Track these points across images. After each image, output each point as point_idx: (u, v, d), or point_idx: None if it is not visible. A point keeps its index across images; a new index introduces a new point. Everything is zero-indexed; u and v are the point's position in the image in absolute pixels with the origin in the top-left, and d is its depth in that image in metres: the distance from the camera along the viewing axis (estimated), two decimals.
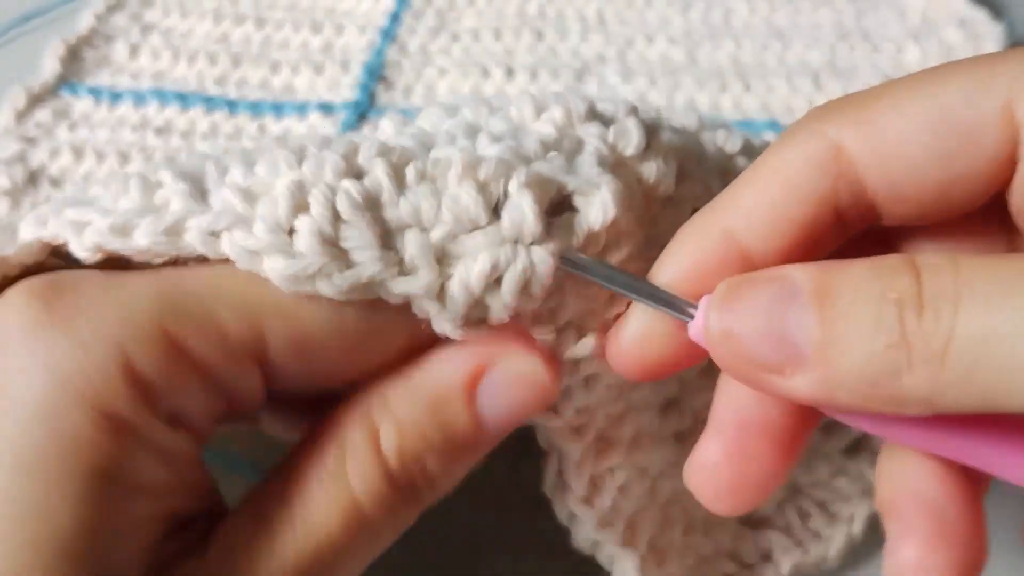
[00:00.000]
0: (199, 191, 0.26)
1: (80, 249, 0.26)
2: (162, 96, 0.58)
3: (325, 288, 0.25)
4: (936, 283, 0.20)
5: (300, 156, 0.26)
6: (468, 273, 0.25)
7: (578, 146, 0.28)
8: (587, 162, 0.27)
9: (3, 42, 0.66)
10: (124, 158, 0.55)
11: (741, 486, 0.25)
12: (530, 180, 0.26)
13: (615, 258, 0.27)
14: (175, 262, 0.26)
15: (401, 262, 0.25)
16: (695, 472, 0.26)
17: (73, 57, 0.61)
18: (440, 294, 0.25)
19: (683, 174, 0.30)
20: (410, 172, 0.26)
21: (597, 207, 0.26)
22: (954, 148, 0.23)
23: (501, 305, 0.26)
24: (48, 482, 0.22)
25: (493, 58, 0.62)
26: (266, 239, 0.25)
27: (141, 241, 0.25)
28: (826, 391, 0.21)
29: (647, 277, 0.26)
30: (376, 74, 0.60)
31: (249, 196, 0.26)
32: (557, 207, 0.26)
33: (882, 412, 0.21)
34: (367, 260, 0.25)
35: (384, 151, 0.26)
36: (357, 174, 0.26)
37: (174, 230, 0.25)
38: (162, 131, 0.56)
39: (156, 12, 0.66)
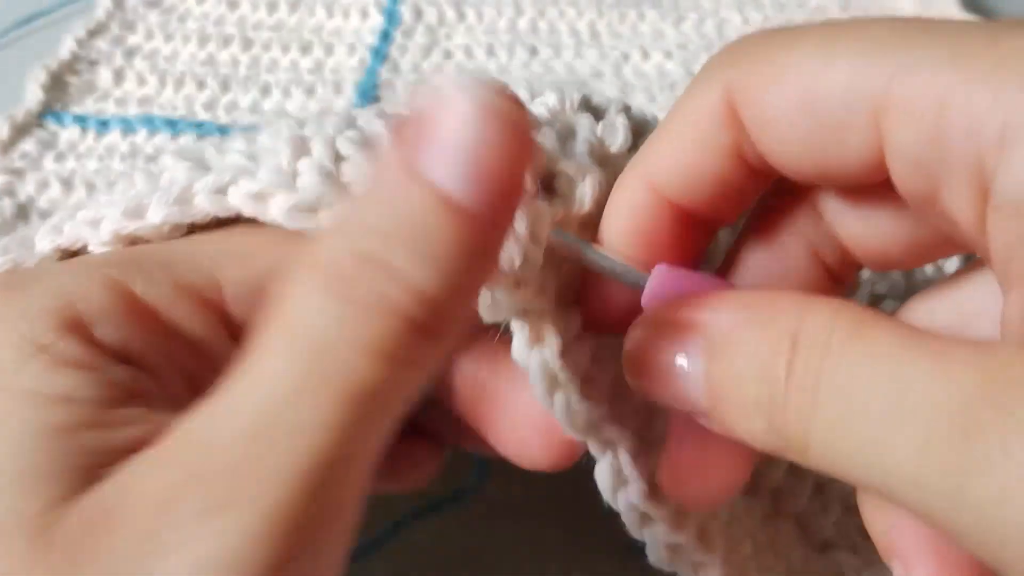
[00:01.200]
0: (202, 166, 0.28)
1: (98, 242, 0.28)
2: (150, 123, 0.57)
3: (327, 218, 0.25)
4: (803, 369, 0.20)
5: (301, 123, 0.28)
6: None
7: (570, 132, 0.29)
8: (579, 148, 0.29)
9: (4, 43, 0.64)
10: (114, 188, 0.53)
11: (707, 475, 0.25)
12: None
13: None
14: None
15: None
16: (665, 475, 0.26)
17: (56, 84, 0.59)
18: None
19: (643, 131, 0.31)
20: None
21: (586, 192, 0.28)
22: (825, 137, 0.22)
23: None
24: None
25: (488, 75, 0.61)
26: (270, 179, 0.26)
27: (155, 216, 0.27)
28: (727, 433, 0.22)
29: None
30: (370, 95, 0.59)
31: (253, 156, 0.27)
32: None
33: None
34: None
35: (382, 114, 0.28)
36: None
37: (183, 198, 0.27)
38: (152, 159, 0.55)
39: (138, 35, 0.64)
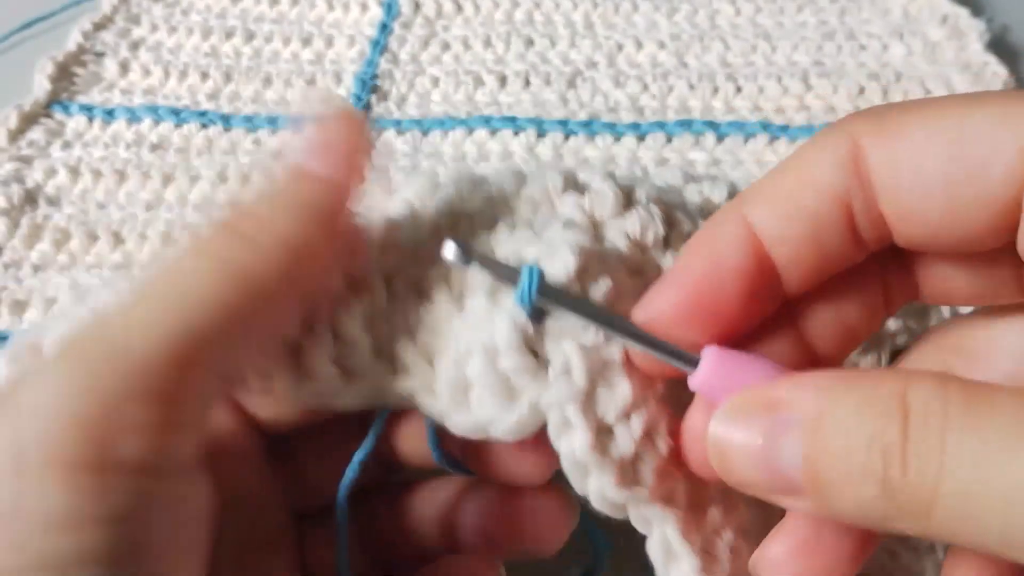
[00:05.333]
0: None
1: None
2: (155, 112, 0.58)
3: None
4: (923, 436, 0.20)
5: None
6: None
7: (552, 217, 0.30)
8: (553, 229, 0.29)
9: (8, 45, 0.66)
10: (120, 176, 0.54)
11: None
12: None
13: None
14: None
15: None
16: (763, 568, 0.25)
17: (63, 75, 0.61)
18: None
19: (673, 220, 0.31)
20: None
21: (558, 264, 0.27)
22: (964, 176, 0.23)
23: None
24: None
25: (484, 66, 0.62)
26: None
27: None
28: (825, 516, 0.22)
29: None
30: (369, 85, 0.60)
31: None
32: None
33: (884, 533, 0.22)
34: None
35: None
36: None
37: None
38: (157, 147, 0.56)
39: (143, 28, 0.66)
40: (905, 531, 0.20)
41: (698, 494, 0.28)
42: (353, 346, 0.28)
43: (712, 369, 0.25)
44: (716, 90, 0.59)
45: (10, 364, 0.28)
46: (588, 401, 0.26)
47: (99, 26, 0.65)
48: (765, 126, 0.56)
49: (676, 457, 0.27)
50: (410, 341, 0.28)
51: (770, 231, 0.25)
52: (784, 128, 0.56)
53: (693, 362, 0.25)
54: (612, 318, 0.26)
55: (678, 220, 0.31)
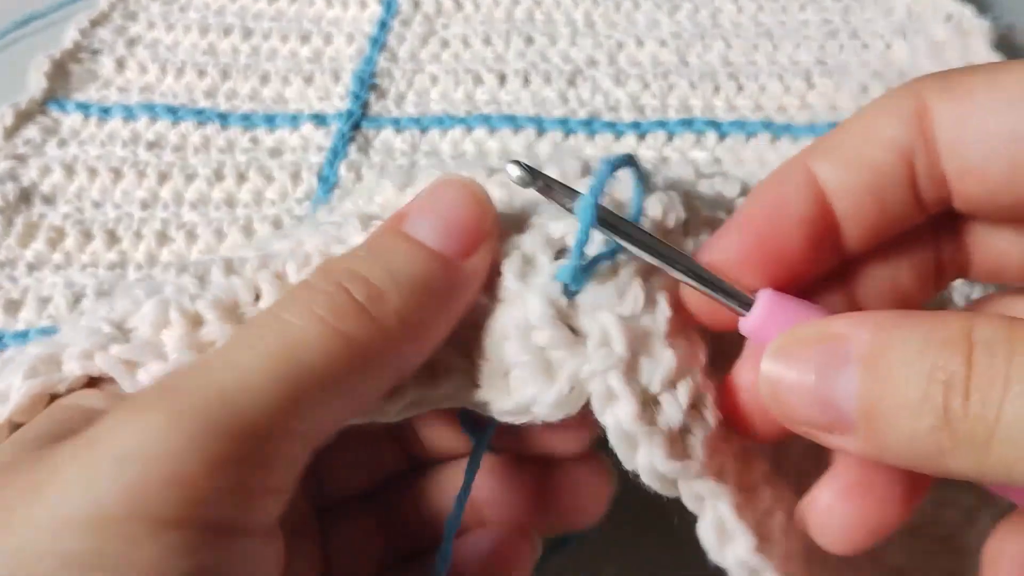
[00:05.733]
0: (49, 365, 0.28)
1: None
2: (152, 110, 0.58)
3: None
4: (987, 367, 0.20)
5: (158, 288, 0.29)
6: None
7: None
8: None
9: (1, 45, 0.65)
10: (116, 174, 0.54)
11: (859, 525, 0.25)
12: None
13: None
14: None
15: None
16: (813, 515, 0.25)
17: (59, 72, 0.60)
18: None
19: (692, 206, 0.30)
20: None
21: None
22: None
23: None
24: None
25: (484, 64, 0.61)
26: (140, 349, 0.27)
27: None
28: (874, 455, 0.21)
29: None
30: (367, 83, 0.60)
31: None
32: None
33: (933, 474, 0.21)
34: None
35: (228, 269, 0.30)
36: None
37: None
38: (153, 145, 0.56)
39: (141, 25, 0.65)
40: (957, 469, 0.20)
41: (747, 475, 0.27)
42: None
43: (766, 312, 0.24)
44: (718, 89, 0.59)
45: (30, 378, 0.28)
46: (630, 370, 0.25)
47: (96, 23, 0.64)
48: (767, 125, 0.55)
49: (724, 432, 0.26)
50: (448, 342, 0.27)
51: (833, 182, 0.25)
52: (787, 127, 0.55)
53: (747, 304, 0.25)
54: (671, 252, 0.26)
55: (697, 206, 0.31)
